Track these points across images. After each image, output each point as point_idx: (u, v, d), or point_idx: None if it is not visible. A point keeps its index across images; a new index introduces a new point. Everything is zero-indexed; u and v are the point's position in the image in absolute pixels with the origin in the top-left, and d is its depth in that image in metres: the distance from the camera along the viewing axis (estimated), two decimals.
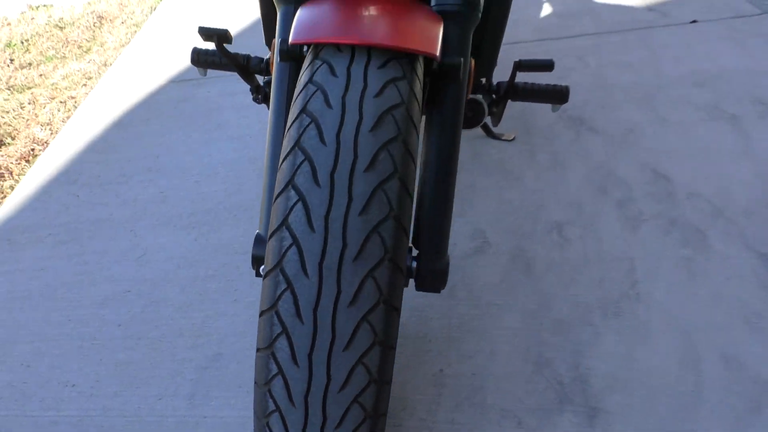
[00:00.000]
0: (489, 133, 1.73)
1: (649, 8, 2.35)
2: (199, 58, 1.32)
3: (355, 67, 0.68)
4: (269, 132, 0.80)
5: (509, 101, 1.40)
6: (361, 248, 0.60)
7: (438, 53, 0.69)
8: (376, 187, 0.61)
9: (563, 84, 1.28)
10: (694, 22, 2.18)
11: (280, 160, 0.65)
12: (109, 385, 1.20)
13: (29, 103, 2.58)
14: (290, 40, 0.68)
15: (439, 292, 0.88)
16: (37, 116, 2.45)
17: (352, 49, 0.68)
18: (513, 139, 1.73)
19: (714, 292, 1.19)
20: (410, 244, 0.89)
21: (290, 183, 0.62)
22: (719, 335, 1.11)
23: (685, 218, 1.37)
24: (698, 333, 1.12)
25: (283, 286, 0.60)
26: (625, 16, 2.32)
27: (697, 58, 1.96)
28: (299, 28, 0.69)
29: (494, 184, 1.57)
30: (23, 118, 2.46)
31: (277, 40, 0.86)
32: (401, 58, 0.70)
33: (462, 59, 0.82)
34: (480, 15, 0.84)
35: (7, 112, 2.52)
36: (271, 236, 0.63)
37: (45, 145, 2.22)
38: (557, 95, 1.29)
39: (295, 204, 0.61)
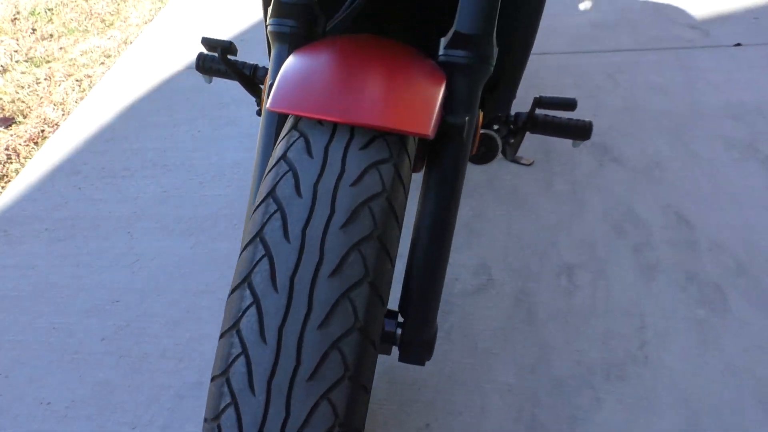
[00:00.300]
0: (506, 155, 1.65)
1: (691, 25, 2.22)
2: (204, 65, 1.25)
3: (335, 146, 0.60)
4: (252, 188, 0.73)
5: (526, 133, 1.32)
6: (318, 367, 0.53)
7: (431, 132, 0.62)
8: (341, 295, 0.54)
9: (586, 119, 1.19)
10: (737, 45, 2.05)
11: (242, 246, 0.59)
12: (85, 406, 1.16)
13: (45, 79, 2.55)
14: (268, 105, 0.61)
15: (423, 364, 0.82)
16: (51, 94, 2.42)
17: (335, 123, 0.61)
18: (531, 164, 1.64)
19: (728, 363, 1.11)
20: (394, 309, 0.82)
21: (246, 280, 0.56)
22: (729, 416, 1.03)
23: (705, 273, 1.28)
24: (706, 410, 1.04)
25: (228, 399, 0.54)
26: (664, 32, 2.19)
27: (736, 87, 1.84)
28: (279, 91, 0.61)
29: (505, 213, 1.49)
30: (37, 95, 2.42)
31: (267, 83, 0.79)
32: (389, 134, 0.62)
33: (467, 118, 0.74)
34: (492, 68, 0.76)
35: (23, 87, 2.48)
36: (222, 335, 0.57)
37: (55, 127, 2.18)
38: (579, 131, 1.21)
39: (248, 308, 0.55)
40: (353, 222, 0.56)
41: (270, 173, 0.61)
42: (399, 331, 0.80)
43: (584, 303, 1.25)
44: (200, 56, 1.24)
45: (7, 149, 2.08)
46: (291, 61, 0.66)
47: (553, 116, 1.21)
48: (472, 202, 1.53)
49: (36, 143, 2.11)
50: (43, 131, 2.17)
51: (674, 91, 1.86)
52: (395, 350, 1.20)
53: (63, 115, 2.26)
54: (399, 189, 0.62)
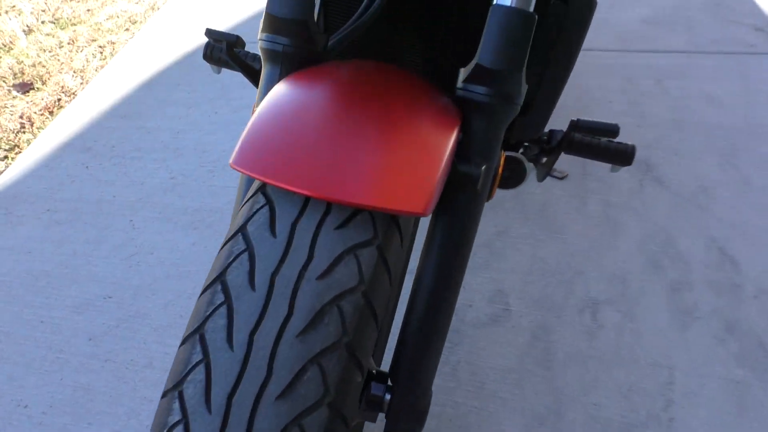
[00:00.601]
0: (537, 175, 1.52)
1: (757, 27, 2.02)
2: (212, 54, 1.14)
3: (305, 224, 0.49)
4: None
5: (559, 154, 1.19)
6: None
7: (428, 210, 0.49)
8: (290, 422, 0.44)
9: (629, 143, 1.05)
10: None
11: (182, 340, 0.48)
12: (62, 414, 1.10)
13: (68, 43, 2.47)
14: (231, 160, 0.50)
15: None
16: (72, 60, 2.34)
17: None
18: (565, 177, 1.51)
19: None
20: (384, 371, 0.72)
21: (177, 388, 0.46)
22: None
23: (748, 324, 1.14)
24: None
25: None
26: (725, 33, 2.00)
27: None
28: (246, 146, 0.49)
29: (531, 234, 1.36)
30: (58, 60, 2.35)
31: (255, 107, 0.68)
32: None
33: (483, 168, 0.63)
34: (519, 108, 0.64)
35: (45, 51, 2.41)
36: None
37: (72, 96, 2.11)
38: (620, 156, 1.07)
39: (175, 426, 0.45)
40: (315, 327, 0.45)
41: (226, 246, 0.50)
42: (387, 396, 0.70)
43: (608, 347, 1.13)
44: (208, 45, 1.13)
45: (21, 117, 2.01)
46: (266, 105, 0.54)
47: (592, 137, 1.08)
48: (495, 217, 1.41)
49: (51, 113, 2.04)
50: (59, 100, 2.10)
51: (730, 104, 1.69)
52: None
53: (81, 83, 2.18)
54: (382, 278, 0.51)
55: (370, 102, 0.54)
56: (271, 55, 0.66)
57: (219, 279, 0.48)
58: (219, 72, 1.17)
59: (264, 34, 0.66)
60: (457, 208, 0.65)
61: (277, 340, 0.45)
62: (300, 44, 0.65)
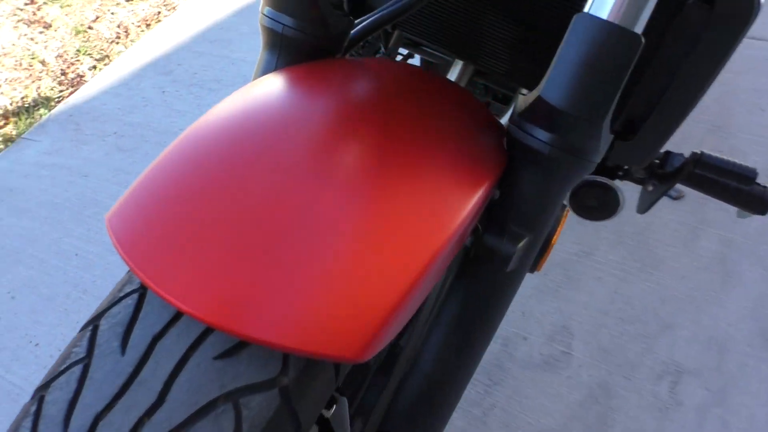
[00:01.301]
0: (638, 206, 1.26)
1: None
2: None
3: (169, 343, 0.33)
4: None
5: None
6: None
7: (370, 353, 0.30)
8: None
9: None
10: None
11: None
12: None
13: None
14: (107, 215, 0.33)
15: None
16: None
17: None
18: (680, 198, 1.25)
19: None
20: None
21: None
22: None
23: None
24: None
25: None
26: None
27: None
28: (130, 201, 0.33)
29: (619, 263, 1.14)
30: None
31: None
32: None
33: (522, 243, 0.44)
34: (595, 165, 0.44)
35: None
36: None
37: (172, 10, 2.04)
38: (753, 202, 0.82)
39: None
40: None
41: (74, 339, 0.36)
42: None
43: None
44: None
45: (119, 27, 1.97)
46: (188, 136, 0.36)
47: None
48: (583, 231, 1.19)
49: (148, 25, 1.98)
50: (159, 13, 2.03)
51: None
52: None
53: None
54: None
55: (358, 143, 0.36)
56: (270, 36, 0.49)
57: (38, 394, 0.34)
58: None
59: (265, 9, 0.49)
60: (480, 279, 0.48)
61: None
62: (307, 28, 0.48)
